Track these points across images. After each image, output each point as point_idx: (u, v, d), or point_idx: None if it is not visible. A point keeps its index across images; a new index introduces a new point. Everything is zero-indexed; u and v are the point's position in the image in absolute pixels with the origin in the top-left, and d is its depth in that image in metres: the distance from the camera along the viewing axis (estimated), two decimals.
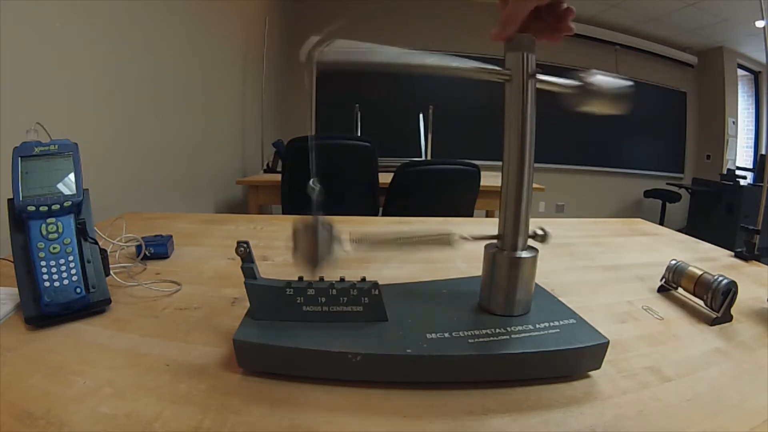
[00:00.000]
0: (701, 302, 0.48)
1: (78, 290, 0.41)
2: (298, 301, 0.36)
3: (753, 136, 4.37)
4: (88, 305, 0.42)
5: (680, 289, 0.51)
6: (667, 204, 4.15)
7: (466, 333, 0.35)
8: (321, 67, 0.29)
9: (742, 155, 4.37)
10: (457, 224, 0.90)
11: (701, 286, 0.47)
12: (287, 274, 0.47)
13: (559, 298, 0.42)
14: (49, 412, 0.28)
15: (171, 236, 0.65)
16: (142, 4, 1.27)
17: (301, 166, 1.66)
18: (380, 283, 0.36)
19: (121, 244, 0.61)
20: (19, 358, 0.35)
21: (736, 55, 4.14)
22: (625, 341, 0.40)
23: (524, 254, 0.37)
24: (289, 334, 0.34)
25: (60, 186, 0.43)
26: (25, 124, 0.43)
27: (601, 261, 0.67)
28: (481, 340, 0.34)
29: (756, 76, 4.34)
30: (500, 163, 0.37)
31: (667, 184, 4.24)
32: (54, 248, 0.41)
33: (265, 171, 2.37)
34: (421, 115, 2.67)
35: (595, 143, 4.21)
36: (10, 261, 0.43)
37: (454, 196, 1.83)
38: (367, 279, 0.36)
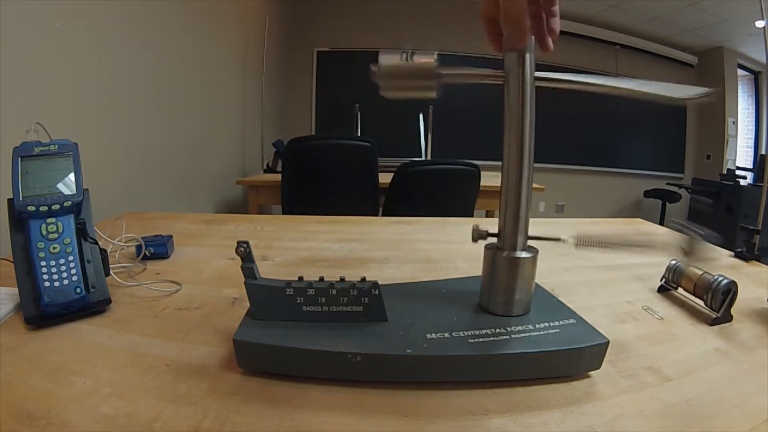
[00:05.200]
0: (701, 302, 0.48)
1: (78, 290, 0.41)
2: (298, 301, 0.36)
3: (753, 136, 4.37)
4: (88, 305, 0.42)
5: (680, 289, 0.51)
6: (667, 204, 4.15)
7: (466, 333, 0.35)
8: None
9: (742, 155, 4.37)
10: (458, 224, 0.90)
11: (701, 286, 0.47)
12: (287, 274, 0.47)
13: (559, 298, 0.42)
14: (49, 412, 0.28)
15: (171, 236, 0.65)
16: (142, 4, 1.27)
17: (301, 166, 1.66)
18: (380, 283, 0.36)
19: (121, 244, 0.61)
20: (19, 358, 0.35)
21: (736, 55, 4.14)
22: (625, 341, 0.40)
23: (524, 254, 0.37)
24: (289, 334, 0.34)
25: (60, 186, 0.42)
26: (25, 124, 0.43)
27: (601, 261, 0.67)
28: (481, 340, 0.34)
29: (756, 76, 4.33)
30: (500, 163, 0.37)
31: (667, 184, 4.24)
32: (54, 248, 0.41)
33: (265, 171, 2.37)
34: (421, 115, 2.67)
35: (595, 143, 4.21)
36: (10, 261, 0.43)
37: (454, 196, 1.83)
38: (367, 279, 0.36)
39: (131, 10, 1.22)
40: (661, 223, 1.24)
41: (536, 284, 0.39)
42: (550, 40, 0.34)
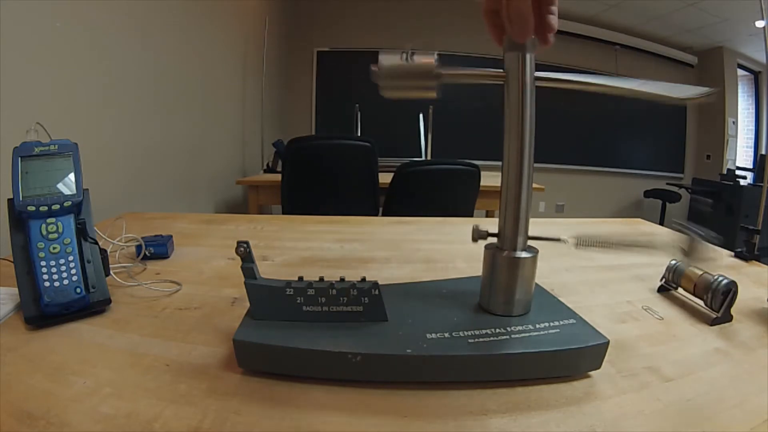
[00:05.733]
0: (701, 302, 0.48)
1: (78, 290, 0.41)
2: (298, 301, 0.36)
3: (753, 136, 4.37)
4: (88, 305, 0.42)
5: (680, 289, 0.51)
6: (667, 204, 4.15)
7: (466, 333, 0.35)
8: None
9: (742, 155, 4.37)
10: (458, 224, 0.90)
11: (701, 286, 0.47)
12: (287, 274, 0.47)
13: (559, 298, 0.42)
14: (49, 412, 0.28)
15: (171, 236, 0.65)
16: (142, 4, 1.27)
17: (301, 166, 1.67)
18: (380, 283, 0.36)
19: (121, 244, 0.61)
20: (19, 358, 0.35)
21: (736, 55, 4.14)
22: (625, 341, 0.40)
23: (524, 254, 0.37)
24: (289, 334, 0.34)
25: (60, 186, 0.42)
26: (25, 124, 0.43)
27: (601, 261, 0.67)
28: (481, 340, 0.34)
29: (756, 76, 4.33)
30: (500, 163, 0.37)
31: (667, 184, 4.24)
32: (54, 248, 0.41)
33: (265, 171, 2.37)
34: (421, 115, 2.67)
35: (595, 143, 4.22)
36: (10, 261, 0.43)
37: (454, 196, 1.83)
38: (367, 279, 0.36)
39: (131, 10, 1.22)
40: (661, 223, 1.24)
41: (536, 284, 0.39)
42: (550, 36, 0.34)
